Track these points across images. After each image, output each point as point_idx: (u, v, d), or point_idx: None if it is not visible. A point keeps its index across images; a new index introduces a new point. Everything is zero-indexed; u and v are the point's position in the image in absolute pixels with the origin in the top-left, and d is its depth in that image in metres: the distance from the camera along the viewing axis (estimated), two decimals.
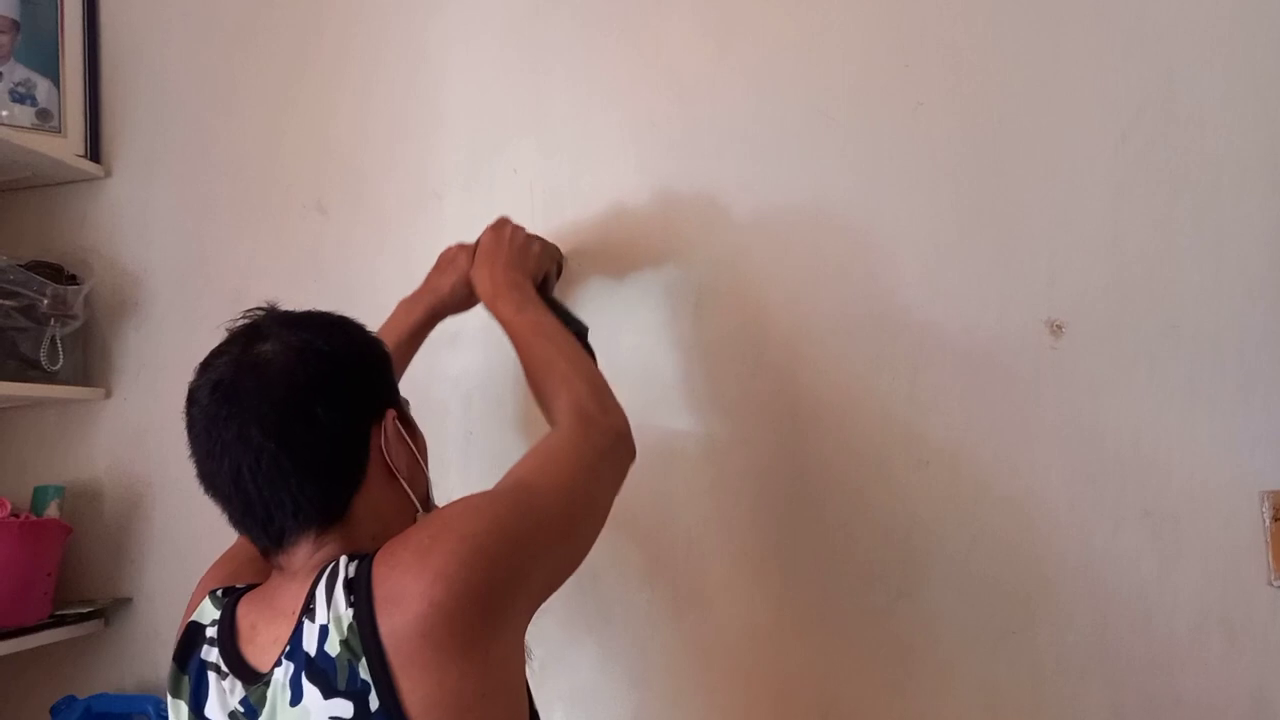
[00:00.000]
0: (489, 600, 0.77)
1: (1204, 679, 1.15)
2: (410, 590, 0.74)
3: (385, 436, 0.88)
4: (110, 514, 1.66)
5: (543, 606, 1.37)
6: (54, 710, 1.48)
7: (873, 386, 1.29)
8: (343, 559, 0.79)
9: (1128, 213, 1.22)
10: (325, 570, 0.79)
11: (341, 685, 0.74)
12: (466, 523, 0.80)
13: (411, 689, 0.73)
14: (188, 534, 1.57)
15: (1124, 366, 1.21)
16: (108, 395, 1.69)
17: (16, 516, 1.52)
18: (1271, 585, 1.13)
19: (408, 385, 1.29)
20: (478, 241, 1.26)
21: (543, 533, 0.86)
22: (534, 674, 0.93)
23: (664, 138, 1.42)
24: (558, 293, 1.38)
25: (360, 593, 0.76)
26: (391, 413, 0.90)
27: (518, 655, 0.84)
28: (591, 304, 1.42)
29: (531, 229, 1.35)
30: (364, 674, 0.73)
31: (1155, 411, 1.19)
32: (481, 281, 1.21)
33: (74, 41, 1.75)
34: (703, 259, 1.38)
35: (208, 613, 0.89)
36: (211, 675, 0.84)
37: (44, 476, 1.67)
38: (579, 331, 1.21)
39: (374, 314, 1.27)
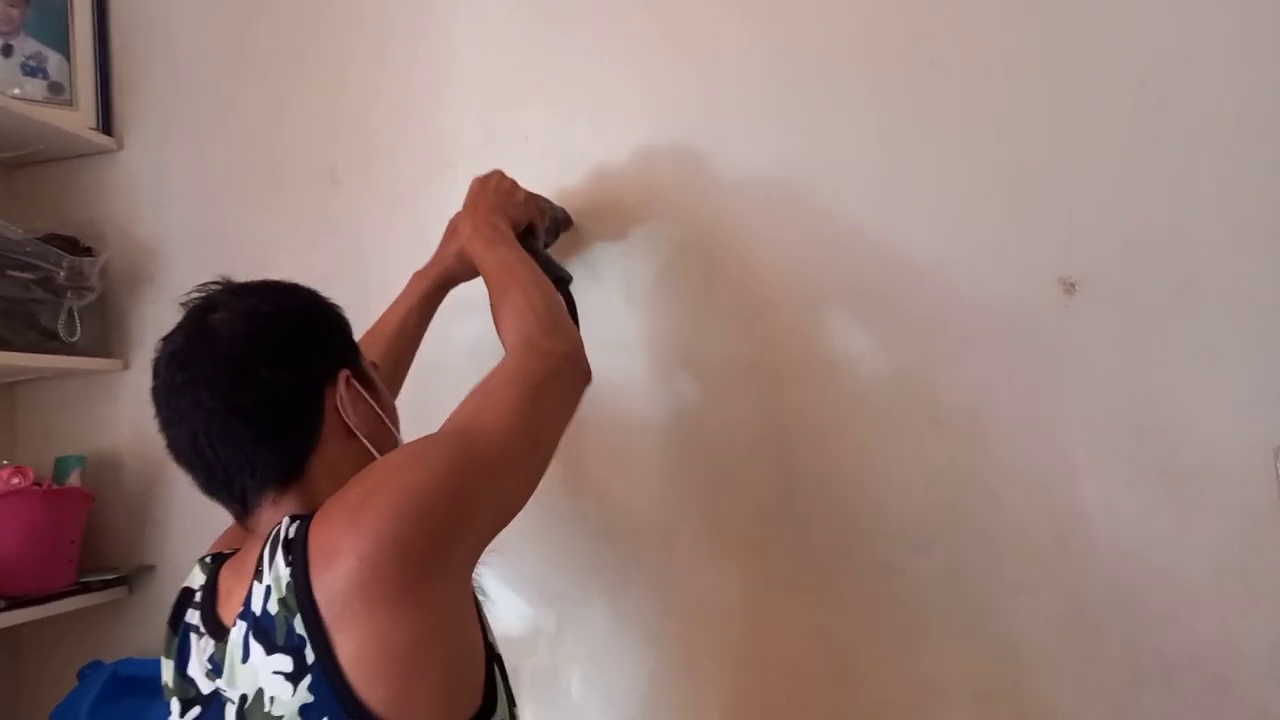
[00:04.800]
0: (421, 554, 0.77)
1: (1220, 633, 1.15)
2: (341, 547, 0.75)
3: (340, 396, 0.90)
4: (132, 483, 1.68)
5: (559, 569, 1.41)
6: (81, 674, 1.51)
7: (888, 346, 1.29)
8: (285, 520, 0.80)
9: (1145, 169, 1.21)
10: (272, 532, 0.81)
11: (280, 641, 0.76)
12: (400, 477, 0.80)
13: (344, 641, 0.74)
14: (208, 502, 1.57)
15: (1140, 324, 1.20)
16: (126, 366, 1.70)
17: (39, 485, 1.55)
18: None
19: (421, 355, 1.30)
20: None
21: (483, 478, 0.86)
22: (491, 611, 0.94)
23: (677, 101, 1.41)
24: (564, 255, 1.38)
25: (297, 551, 0.77)
26: (345, 373, 0.91)
27: (458, 599, 0.84)
28: (603, 268, 1.42)
29: (544, 194, 1.35)
30: (300, 629, 0.75)
31: (1171, 369, 1.18)
32: (463, 225, 1.22)
33: (84, 14, 1.75)
34: (717, 223, 1.38)
35: (197, 578, 0.92)
36: (193, 636, 0.87)
37: (66, 447, 1.70)
38: (560, 278, 1.21)
39: (387, 284, 1.29)
